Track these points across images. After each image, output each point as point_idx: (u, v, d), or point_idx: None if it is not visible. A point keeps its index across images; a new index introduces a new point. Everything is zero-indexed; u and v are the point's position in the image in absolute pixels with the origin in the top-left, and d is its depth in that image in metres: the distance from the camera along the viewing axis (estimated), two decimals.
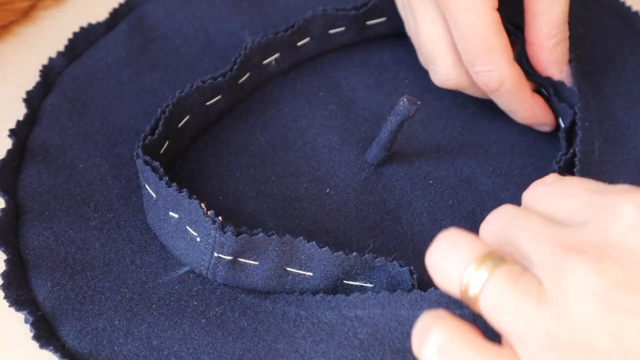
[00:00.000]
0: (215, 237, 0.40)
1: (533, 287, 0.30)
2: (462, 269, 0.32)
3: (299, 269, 0.40)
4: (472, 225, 0.45)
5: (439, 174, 0.47)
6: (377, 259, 0.40)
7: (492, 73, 0.45)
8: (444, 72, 0.47)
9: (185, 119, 0.47)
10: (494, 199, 0.46)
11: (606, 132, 0.48)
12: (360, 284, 0.40)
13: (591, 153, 0.46)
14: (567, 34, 0.48)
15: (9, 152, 0.46)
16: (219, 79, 0.47)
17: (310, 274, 0.40)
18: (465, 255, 0.32)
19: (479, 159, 0.48)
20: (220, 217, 0.40)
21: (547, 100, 0.48)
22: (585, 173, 0.45)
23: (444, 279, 0.32)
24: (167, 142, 0.46)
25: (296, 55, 0.51)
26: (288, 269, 0.40)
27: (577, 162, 0.45)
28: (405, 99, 0.44)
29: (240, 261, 0.40)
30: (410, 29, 0.49)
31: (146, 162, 0.43)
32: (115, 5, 0.55)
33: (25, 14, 0.55)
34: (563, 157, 0.45)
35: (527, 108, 0.48)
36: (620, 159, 0.47)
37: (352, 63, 0.53)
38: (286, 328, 0.40)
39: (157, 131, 0.44)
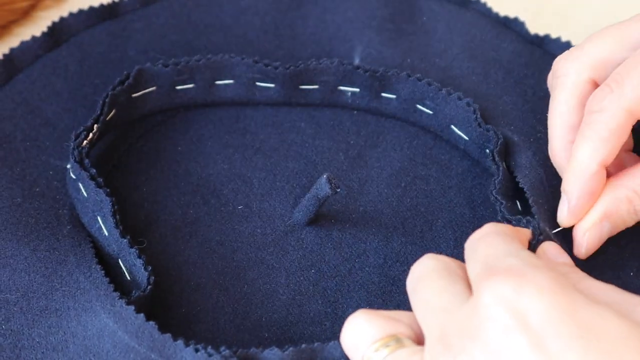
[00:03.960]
0: None
1: None
2: (365, 347, 0.35)
3: None
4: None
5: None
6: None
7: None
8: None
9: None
10: None
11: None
12: None
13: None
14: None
15: None
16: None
17: None
18: (372, 335, 0.35)
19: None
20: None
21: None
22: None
23: (351, 353, 0.36)
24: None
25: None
26: None
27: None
28: (325, 178, 0.43)
29: None
30: None
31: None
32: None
33: (25, 14, 0.56)
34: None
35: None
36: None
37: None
38: None
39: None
